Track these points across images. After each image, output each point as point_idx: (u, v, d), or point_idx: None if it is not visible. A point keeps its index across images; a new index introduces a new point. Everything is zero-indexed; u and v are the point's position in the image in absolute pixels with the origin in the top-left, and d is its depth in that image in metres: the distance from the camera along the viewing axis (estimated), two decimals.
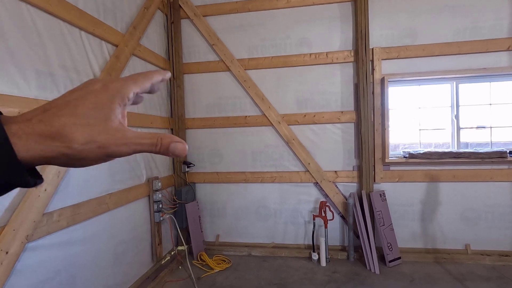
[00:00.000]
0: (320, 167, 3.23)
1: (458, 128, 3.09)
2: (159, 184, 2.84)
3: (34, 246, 1.63)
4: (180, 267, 3.00)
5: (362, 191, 3.06)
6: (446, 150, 2.94)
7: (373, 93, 3.08)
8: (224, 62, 3.33)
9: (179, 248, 3.24)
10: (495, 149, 2.88)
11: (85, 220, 1.99)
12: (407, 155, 2.99)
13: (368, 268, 2.83)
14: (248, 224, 3.42)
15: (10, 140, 0.26)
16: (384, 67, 3.07)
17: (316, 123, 3.24)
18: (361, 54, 3.01)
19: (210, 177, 3.45)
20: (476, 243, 2.99)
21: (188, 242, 3.24)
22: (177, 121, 3.36)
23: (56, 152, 0.28)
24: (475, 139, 3.10)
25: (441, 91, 3.13)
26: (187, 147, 0.32)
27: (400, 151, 3.24)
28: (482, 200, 2.97)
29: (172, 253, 3.10)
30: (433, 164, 2.99)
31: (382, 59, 3.06)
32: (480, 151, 2.85)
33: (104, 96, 0.30)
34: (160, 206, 2.84)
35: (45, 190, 1.67)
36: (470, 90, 3.08)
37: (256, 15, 3.29)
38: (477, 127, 3.08)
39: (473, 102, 3.07)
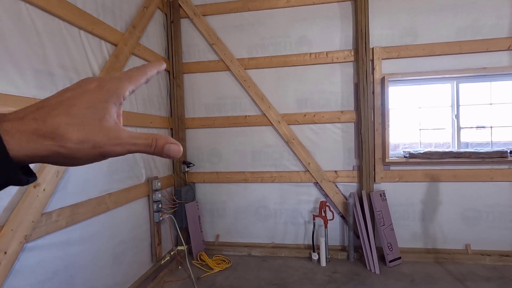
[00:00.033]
0: (320, 167, 3.22)
1: (459, 128, 3.08)
2: (159, 184, 2.83)
3: (33, 246, 1.63)
4: (179, 267, 2.99)
5: (362, 191, 3.06)
6: (447, 150, 2.93)
7: (373, 92, 3.07)
8: (223, 62, 3.32)
9: (179, 248, 3.23)
10: (496, 149, 2.87)
11: (84, 220, 1.99)
12: (408, 155, 2.98)
13: (368, 268, 2.83)
14: (248, 224, 3.41)
15: (3, 138, 0.25)
16: (384, 67, 3.06)
17: (316, 123, 3.23)
18: (361, 54, 3.01)
19: (209, 177, 3.44)
20: (477, 243, 2.98)
21: (187, 242, 3.24)
22: (177, 120, 3.35)
23: (50, 151, 0.27)
24: (475, 139, 3.09)
25: (442, 90, 3.13)
26: (181, 149, 0.32)
27: (400, 151, 3.23)
28: (483, 200, 2.96)
29: (172, 253, 3.10)
30: (433, 164, 2.99)
31: (382, 59, 3.05)
32: (481, 151, 2.84)
33: (99, 96, 0.30)
34: (160, 206, 2.83)
35: (44, 190, 1.66)
36: (471, 90, 3.07)
37: (256, 14, 3.28)
38: (477, 127, 3.08)
39: (474, 101, 3.07)
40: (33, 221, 1.59)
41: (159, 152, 0.31)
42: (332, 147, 3.22)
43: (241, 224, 3.42)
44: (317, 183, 3.23)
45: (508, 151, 2.80)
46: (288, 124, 3.26)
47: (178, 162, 3.35)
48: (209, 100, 3.42)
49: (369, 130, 3.04)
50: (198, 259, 3.10)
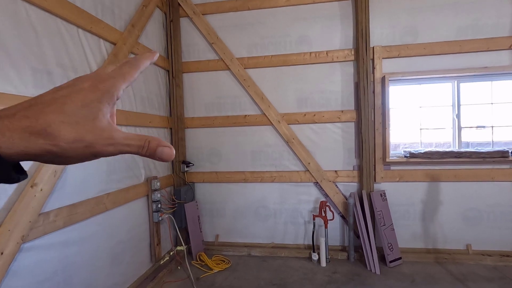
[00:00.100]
0: (320, 166, 3.21)
1: (459, 128, 3.07)
2: (158, 183, 2.82)
3: (30, 247, 1.61)
4: (179, 267, 2.98)
5: (362, 191, 3.04)
6: (447, 150, 2.92)
7: (373, 92, 3.06)
8: (223, 61, 3.30)
9: (178, 248, 3.21)
10: (497, 148, 2.86)
11: (82, 220, 1.97)
12: (408, 155, 2.97)
13: (368, 268, 2.82)
14: (248, 224, 3.40)
15: None
16: (384, 66, 3.05)
17: (316, 122, 3.22)
18: (361, 53, 2.99)
19: (209, 176, 3.43)
20: (477, 243, 2.97)
21: (187, 242, 3.22)
22: (176, 120, 3.34)
23: (41, 149, 0.27)
24: (476, 138, 3.08)
25: (442, 90, 3.11)
26: (174, 152, 0.32)
27: (400, 151, 3.22)
28: (483, 200, 2.95)
29: (171, 253, 3.08)
30: (434, 163, 2.97)
31: (383, 58, 3.04)
32: (481, 150, 2.83)
33: (93, 95, 0.30)
34: (159, 206, 2.82)
35: (41, 189, 1.65)
36: (471, 89, 3.06)
37: (256, 13, 3.27)
38: (478, 127, 3.06)
39: (474, 101, 3.05)
40: (30, 221, 1.58)
41: (151, 154, 0.31)
42: (332, 146, 3.21)
43: (241, 224, 3.41)
44: (317, 183, 3.22)
45: (509, 151, 2.79)
46: (288, 124, 3.24)
47: (177, 162, 3.34)
48: (209, 100, 3.41)
49: (369, 129, 3.02)
50: (198, 259, 3.09)
